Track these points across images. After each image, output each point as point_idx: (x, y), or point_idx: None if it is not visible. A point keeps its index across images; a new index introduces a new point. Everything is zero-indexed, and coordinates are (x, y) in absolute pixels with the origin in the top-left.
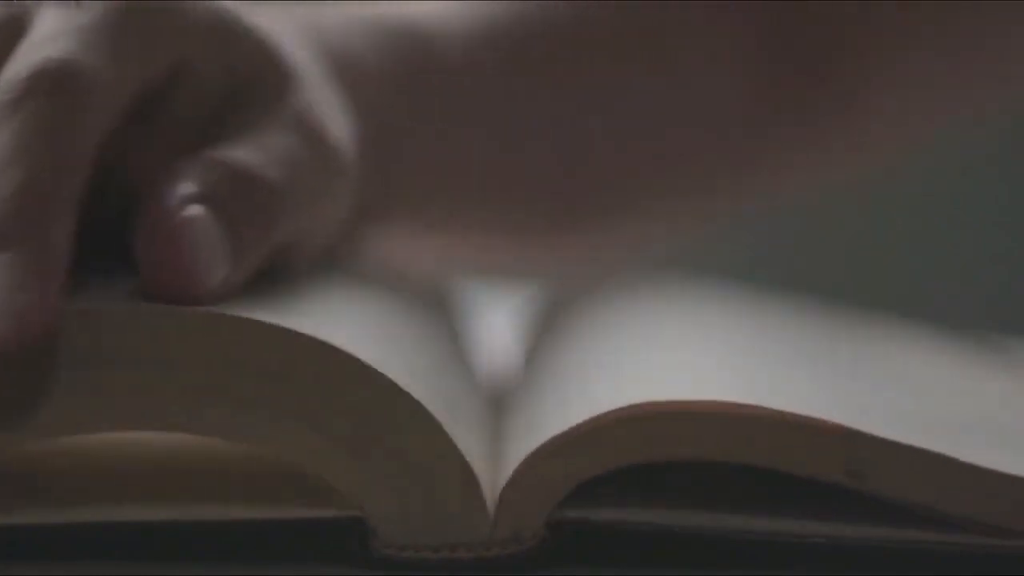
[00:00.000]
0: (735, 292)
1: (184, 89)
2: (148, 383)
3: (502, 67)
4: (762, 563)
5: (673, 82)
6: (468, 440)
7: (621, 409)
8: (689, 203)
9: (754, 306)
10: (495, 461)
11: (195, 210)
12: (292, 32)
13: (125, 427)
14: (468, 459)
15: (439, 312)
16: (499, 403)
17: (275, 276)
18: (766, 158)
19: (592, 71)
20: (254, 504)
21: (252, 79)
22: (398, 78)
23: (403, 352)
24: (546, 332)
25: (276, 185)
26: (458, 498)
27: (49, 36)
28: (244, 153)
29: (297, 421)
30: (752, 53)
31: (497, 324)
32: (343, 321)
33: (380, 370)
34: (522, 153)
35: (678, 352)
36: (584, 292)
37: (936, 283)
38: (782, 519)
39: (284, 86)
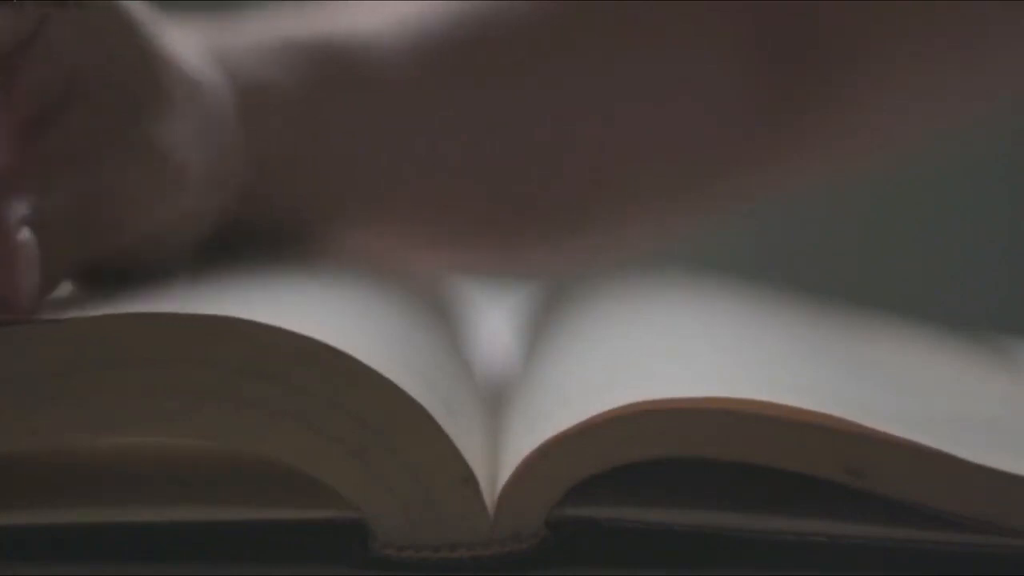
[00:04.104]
0: (734, 290)
1: (37, 50)
2: (148, 385)
3: (448, 73)
4: (762, 563)
5: (670, 80)
6: (467, 439)
7: (620, 407)
8: (686, 202)
9: (753, 304)
10: (494, 460)
11: (26, 235)
12: (204, 53)
13: (125, 429)
14: (467, 459)
15: (437, 310)
16: (498, 401)
17: (274, 276)
18: (765, 156)
19: (571, 69)
20: (254, 504)
21: (122, 78)
22: (313, 96)
23: (402, 352)
24: (544, 329)
25: (107, 217)
26: (458, 498)
27: None
28: (81, 181)
29: (296, 422)
30: (752, 53)
31: (495, 322)
32: (342, 322)
33: (379, 371)
34: (474, 156)
35: (677, 350)
36: (582, 289)
37: (936, 283)
38: (782, 519)
39: (153, 103)
